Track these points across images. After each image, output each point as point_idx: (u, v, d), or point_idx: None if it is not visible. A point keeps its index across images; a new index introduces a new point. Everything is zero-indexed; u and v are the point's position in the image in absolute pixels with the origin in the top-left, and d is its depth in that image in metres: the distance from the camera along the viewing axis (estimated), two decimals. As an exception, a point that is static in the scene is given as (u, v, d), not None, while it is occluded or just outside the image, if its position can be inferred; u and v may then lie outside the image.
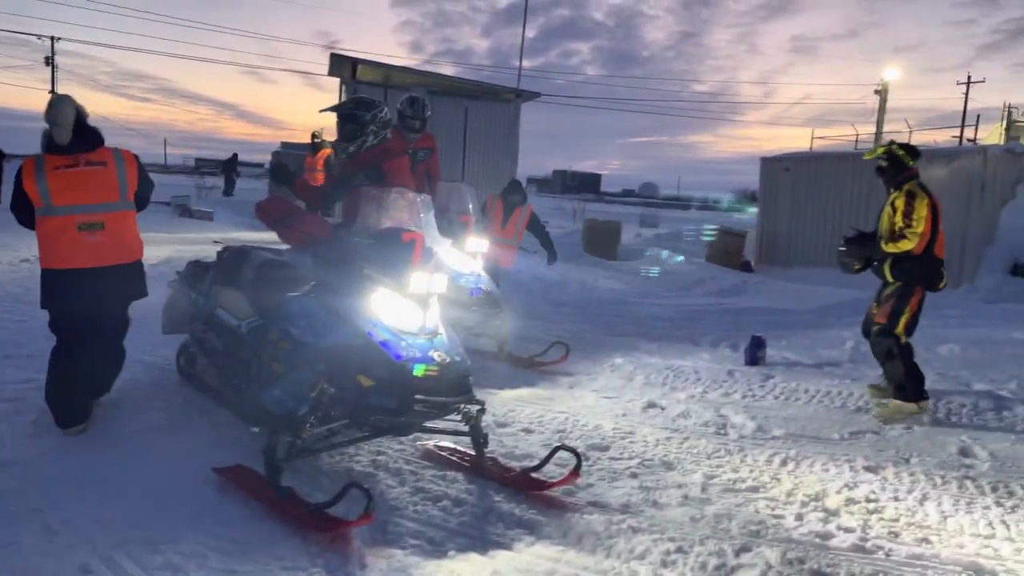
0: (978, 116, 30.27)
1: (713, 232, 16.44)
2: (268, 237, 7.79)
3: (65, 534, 2.96)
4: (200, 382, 4.63)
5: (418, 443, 4.09)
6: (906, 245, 5.18)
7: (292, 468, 3.46)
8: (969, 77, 35.59)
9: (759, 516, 3.46)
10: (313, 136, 12.33)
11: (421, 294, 3.36)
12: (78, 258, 3.98)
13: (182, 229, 14.29)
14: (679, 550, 3.08)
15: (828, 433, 4.76)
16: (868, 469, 4.09)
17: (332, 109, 4.76)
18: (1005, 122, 22.79)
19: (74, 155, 3.99)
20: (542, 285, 10.29)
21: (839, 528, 3.35)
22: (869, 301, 5.67)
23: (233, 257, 4.42)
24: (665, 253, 15.32)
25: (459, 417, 3.61)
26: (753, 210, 16.92)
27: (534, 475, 3.70)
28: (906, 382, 5.23)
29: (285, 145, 26.92)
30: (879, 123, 26.70)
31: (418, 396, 3.23)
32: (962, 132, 26.05)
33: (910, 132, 22.33)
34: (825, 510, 3.55)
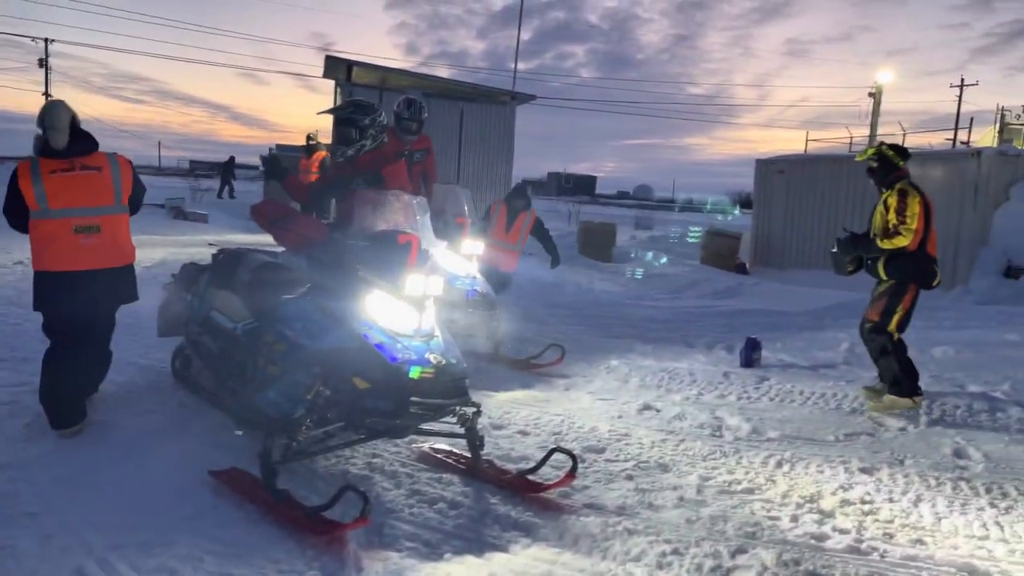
0: (971, 119, 30.39)
1: (698, 233, 16.46)
2: (263, 239, 7.78)
3: (60, 537, 2.96)
4: (195, 385, 4.63)
5: (414, 445, 4.09)
6: (901, 241, 5.25)
7: (288, 471, 3.46)
8: (962, 80, 35.76)
9: (755, 518, 3.46)
10: (308, 138, 12.32)
11: (417, 296, 3.36)
12: (74, 260, 4.01)
13: (176, 231, 14.28)
14: (675, 552, 3.08)
15: (823, 435, 4.77)
16: (863, 471, 4.11)
17: (330, 112, 4.73)
18: (998, 125, 22.88)
19: (70, 159, 4.03)
20: (538, 287, 10.29)
21: (834, 529, 3.36)
22: (864, 303, 5.70)
23: (228, 259, 4.42)
24: (650, 255, 15.34)
25: (455, 419, 3.61)
26: (738, 212, 16.93)
27: (530, 477, 3.70)
28: (901, 377, 5.31)
29: (280, 147, 26.91)
30: (873, 126, 26.80)
31: (414, 398, 3.23)
32: (956, 135, 26.17)
33: (904, 135, 22.40)
34: (820, 512, 3.55)
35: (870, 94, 28.11)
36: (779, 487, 3.85)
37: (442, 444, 4.04)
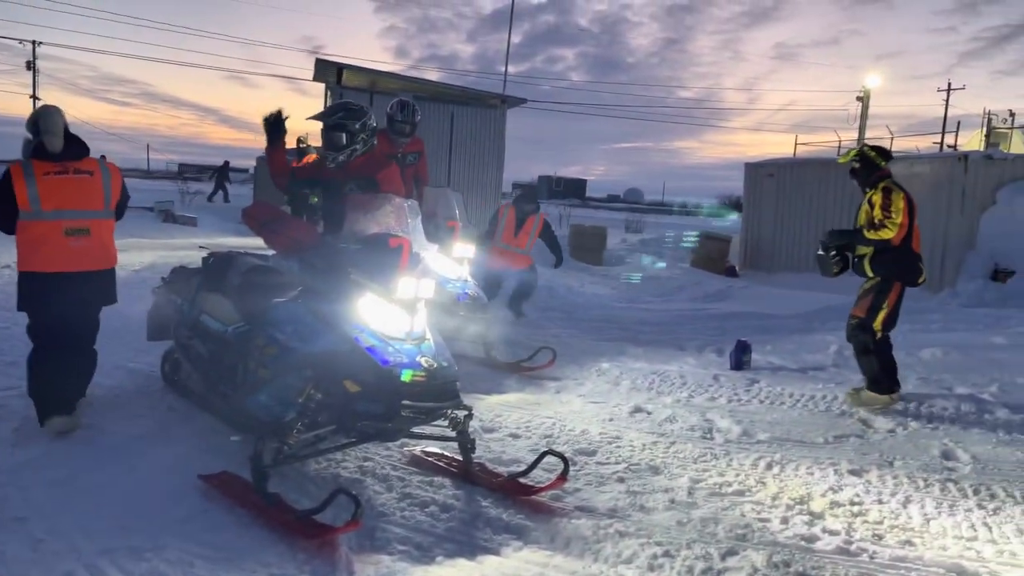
0: (959, 123, 30.57)
1: (695, 239, 16.50)
2: (253, 243, 7.75)
3: (50, 542, 2.94)
4: (185, 389, 4.62)
5: (405, 449, 4.09)
6: (886, 234, 5.36)
7: (279, 474, 3.45)
8: (949, 84, 36.00)
9: (745, 520, 3.48)
10: (299, 141, 12.25)
11: (408, 299, 3.36)
12: (64, 262, 4.10)
13: (165, 235, 14.22)
14: (666, 554, 3.09)
15: (813, 437, 4.79)
16: (852, 472, 4.13)
17: (318, 118, 4.67)
18: (985, 128, 23.04)
19: (63, 162, 4.12)
20: (516, 287, 10.30)
21: (824, 531, 3.37)
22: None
23: (219, 263, 4.41)
24: (649, 259, 15.35)
25: (446, 423, 3.61)
26: (736, 217, 16.98)
27: (521, 480, 3.70)
28: (880, 376, 5.45)
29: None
30: (861, 129, 26.92)
31: (405, 402, 3.23)
32: (943, 138, 26.31)
33: (891, 138, 22.51)
34: (810, 513, 3.57)
35: (858, 98, 28.27)
36: (769, 489, 3.87)
37: (433, 447, 4.04)
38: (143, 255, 10.88)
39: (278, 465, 3.37)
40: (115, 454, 3.82)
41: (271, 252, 4.47)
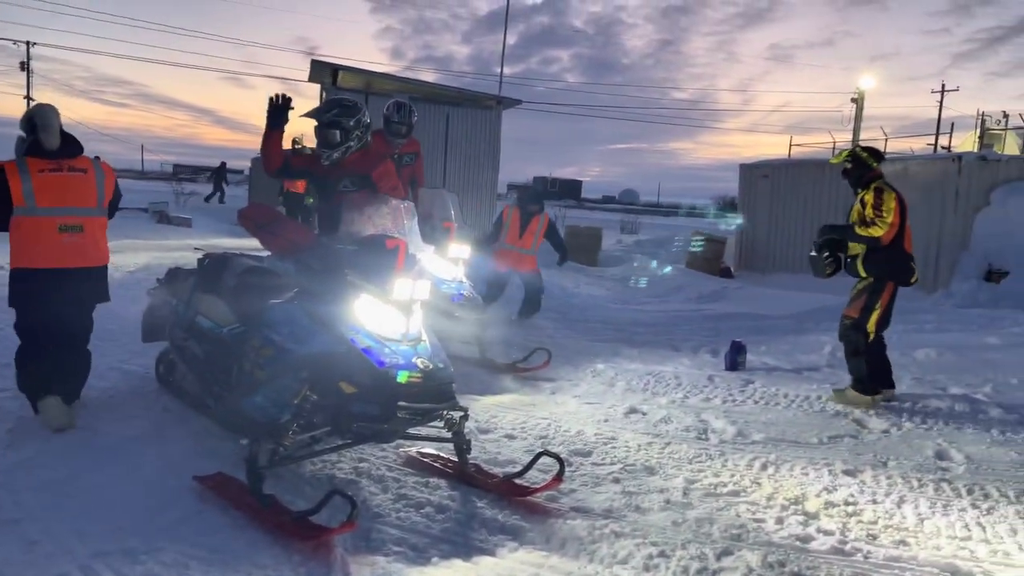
0: (952, 124, 30.67)
1: (700, 242, 16.47)
2: (248, 244, 7.74)
3: (44, 545, 2.93)
4: (180, 390, 4.60)
5: (400, 450, 4.08)
6: (876, 231, 5.42)
7: (274, 476, 3.45)
8: (943, 85, 36.14)
9: (740, 520, 3.48)
10: (293, 142, 12.28)
11: (404, 301, 3.36)
12: (58, 258, 4.14)
13: (160, 236, 14.18)
14: (661, 554, 3.09)
15: (807, 437, 4.80)
16: (847, 472, 4.14)
17: (312, 115, 4.63)
18: (979, 130, 23.10)
19: (58, 160, 4.17)
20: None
21: (818, 531, 3.38)
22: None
23: (215, 264, 4.40)
24: (654, 263, 15.30)
25: (442, 423, 3.61)
26: (741, 221, 16.92)
27: (517, 481, 3.70)
28: (865, 378, 5.51)
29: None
30: (855, 131, 26.97)
31: (401, 403, 3.23)
32: (937, 140, 26.41)
33: (886, 140, 22.61)
34: (805, 513, 3.58)
35: (853, 99, 28.31)
36: (764, 489, 3.88)
37: (429, 448, 4.04)
38: (137, 256, 10.84)
39: (273, 467, 3.36)
40: (110, 456, 3.81)
41: (266, 253, 4.47)
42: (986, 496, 3.87)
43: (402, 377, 3.22)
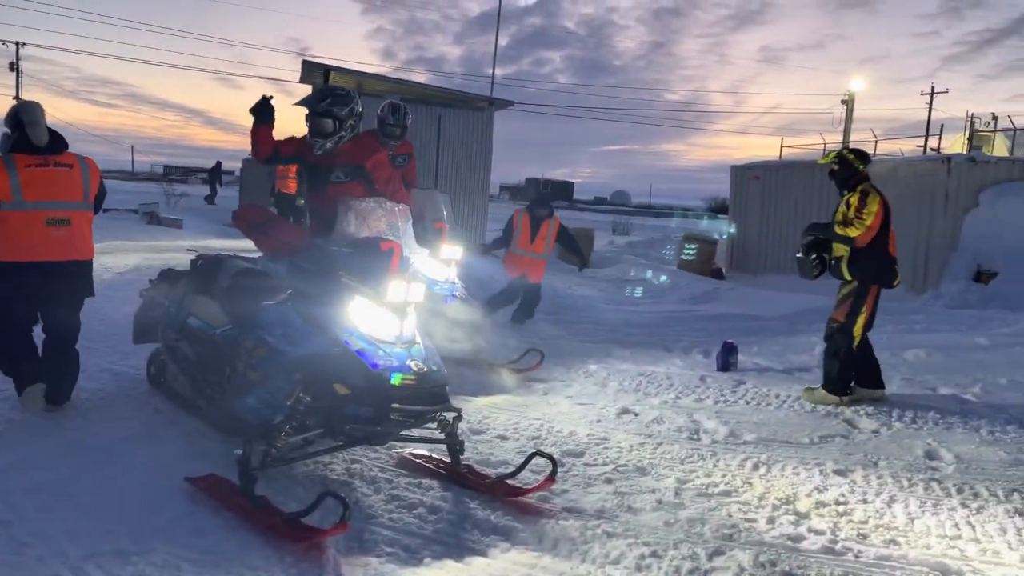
0: (942, 126, 30.81)
1: (692, 250, 16.46)
2: (240, 245, 7.72)
3: (35, 546, 2.91)
4: (171, 391, 4.59)
5: (393, 451, 4.08)
6: (852, 232, 5.53)
7: (266, 477, 3.44)
8: (933, 88, 36.30)
9: (732, 520, 3.50)
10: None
11: (398, 303, 3.35)
12: (45, 251, 4.20)
13: (150, 237, 14.09)
14: (653, 554, 3.11)
15: (798, 437, 4.83)
16: (837, 472, 4.16)
17: (305, 104, 4.59)
18: (968, 132, 23.24)
19: (44, 155, 4.23)
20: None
21: (810, 530, 3.40)
22: (837, 308, 5.80)
23: (207, 265, 4.39)
24: (650, 273, 15.26)
25: (435, 425, 3.61)
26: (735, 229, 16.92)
27: (509, 481, 3.71)
28: (837, 379, 5.62)
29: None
30: (846, 132, 27.09)
31: (395, 405, 3.23)
32: (926, 141, 26.51)
33: (876, 141, 22.69)
34: (796, 513, 3.60)
35: (843, 101, 28.45)
36: (756, 489, 3.89)
37: (422, 449, 4.04)
38: (127, 257, 10.78)
39: (265, 468, 3.35)
40: (101, 457, 3.79)
41: (258, 254, 4.46)
42: (975, 495, 3.89)
43: (396, 379, 3.22)
